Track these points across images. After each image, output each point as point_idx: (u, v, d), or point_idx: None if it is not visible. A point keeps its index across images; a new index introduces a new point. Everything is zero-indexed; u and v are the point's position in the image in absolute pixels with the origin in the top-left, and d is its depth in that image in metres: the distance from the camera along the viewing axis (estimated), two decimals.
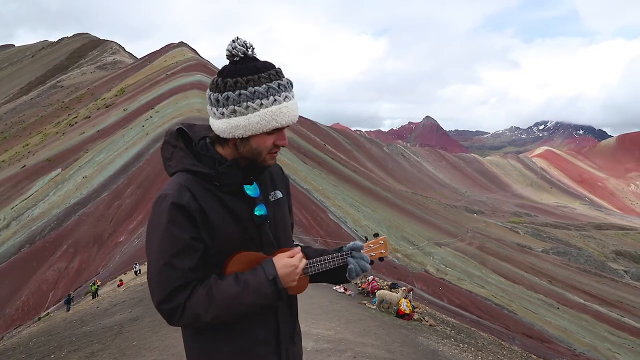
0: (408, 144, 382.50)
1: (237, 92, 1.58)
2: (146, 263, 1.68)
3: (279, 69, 1.66)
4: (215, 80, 1.65)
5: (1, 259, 43.31)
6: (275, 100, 1.60)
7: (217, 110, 1.63)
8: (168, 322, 1.62)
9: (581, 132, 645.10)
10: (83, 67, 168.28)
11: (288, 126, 1.67)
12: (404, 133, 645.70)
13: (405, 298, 13.50)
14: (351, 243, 1.91)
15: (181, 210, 1.59)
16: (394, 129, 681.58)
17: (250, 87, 1.58)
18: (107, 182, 52.65)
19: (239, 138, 1.65)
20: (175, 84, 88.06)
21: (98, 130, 75.68)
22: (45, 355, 8.73)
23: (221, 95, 1.61)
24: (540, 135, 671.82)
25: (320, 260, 1.84)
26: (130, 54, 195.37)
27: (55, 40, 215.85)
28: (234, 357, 1.69)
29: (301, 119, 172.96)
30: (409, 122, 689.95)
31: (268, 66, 1.63)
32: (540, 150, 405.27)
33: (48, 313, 27.06)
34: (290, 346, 1.84)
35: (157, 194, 1.65)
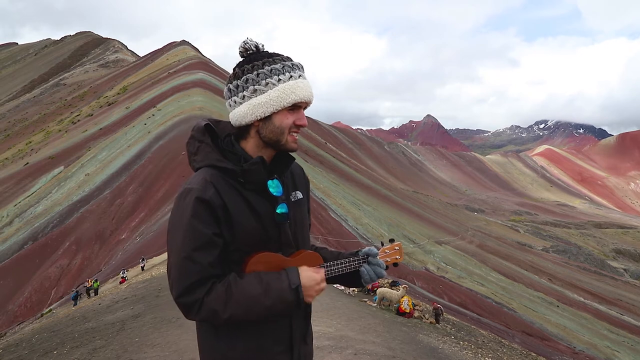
0: (409, 143, 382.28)
1: (255, 72, 1.68)
2: (166, 255, 1.70)
3: (289, 57, 1.77)
4: (232, 73, 1.75)
5: (4, 256, 43.45)
6: (291, 76, 1.69)
7: (238, 95, 1.71)
8: (185, 316, 1.63)
9: (581, 130, 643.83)
10: (86, 65, 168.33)
11: (307, 106, 1.76)
12: (405, 131, 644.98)
13: (435, 311, 13.71)
14: (367, 248, 1.92)
15: (205, 205, 1.60)
16: (395, 127, 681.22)
17: (267, 66, 1.68)
18: (109, 180, 52.75)
19: (261, 120, 1.70)
20: (177, 82, 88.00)
21: (100, 128, 75.72)
22: (48, 351, 8.78)
23: (240, 80, 1.70)
24: (541, 134, 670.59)
25: (337, 264, 1.85)
26: (133, 52, 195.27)
27: (58, 39, 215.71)
28: (247, 354, 1.70)
29: None
30: (410, 120, 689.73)
31: (279, 54, 1.75)
32: (541, 149, 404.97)
33: (51, 309, 27.15)
34: (302, 346, 1.84)
35: (182, 187, 1.68)
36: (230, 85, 1.74)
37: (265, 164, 1.72)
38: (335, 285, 15.87)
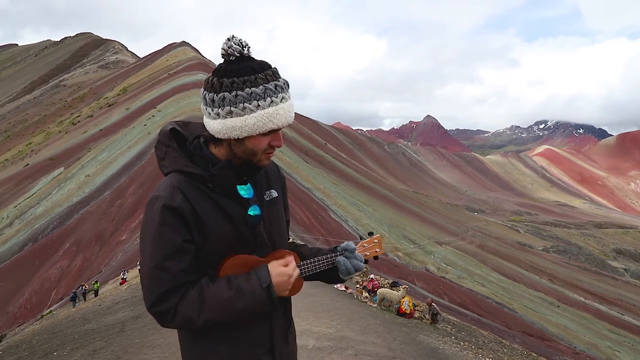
0: (409, 143, 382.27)
1: (234, 92, 1.55)
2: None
3: (275, 69, 1.63)
4: (210, 79, 1.61)
5: (4, 257, 43.43)
6: (272, 101, 1.56)
7: (212, 110, 1.59)
8: (161, 325, 1.62)
9: (581, 131, 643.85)
10: (86, 66, 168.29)
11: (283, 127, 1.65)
12: (405, 132, 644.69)
13: (430, 310, 13.66)
14: (345, 243, 1.89)
15: (173, 212, 1.56)
16: (395, 127, 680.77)
17: (247, 89, 1.55)
18: (109, 181, 52.77)
19: (234, 139, 1.62)
20: (177, 83, 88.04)
21: (100, 129, 75.73)
22: (48, 352, 8.79)
23: (217, 95, 1.57)
24: (541, 134, 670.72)
25: (314, 261, 1.82)
26: (133, 53, 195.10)
27: (58, 40, 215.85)
28: (228, 357, 1.68)
29: (303, 118, 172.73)
30: (410, 121, 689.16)
31: (264, 66, 1.60)
32: (541, 149, 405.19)
33: (51, 311, 27.15)
34: (284, 346, 1.82)
35: (150, 195, 1.63)
36: (207, 94, 1.61)
37: (233, 167, 1.67)
38: (336, 286, 15.85)
